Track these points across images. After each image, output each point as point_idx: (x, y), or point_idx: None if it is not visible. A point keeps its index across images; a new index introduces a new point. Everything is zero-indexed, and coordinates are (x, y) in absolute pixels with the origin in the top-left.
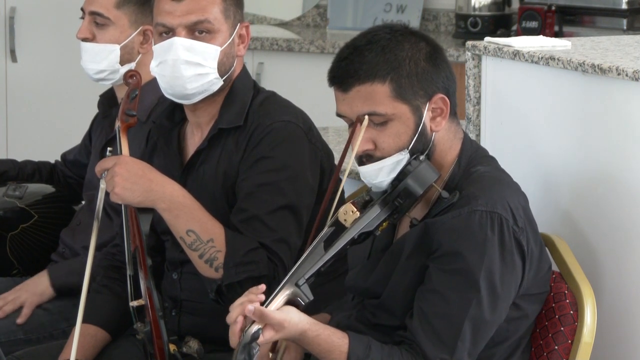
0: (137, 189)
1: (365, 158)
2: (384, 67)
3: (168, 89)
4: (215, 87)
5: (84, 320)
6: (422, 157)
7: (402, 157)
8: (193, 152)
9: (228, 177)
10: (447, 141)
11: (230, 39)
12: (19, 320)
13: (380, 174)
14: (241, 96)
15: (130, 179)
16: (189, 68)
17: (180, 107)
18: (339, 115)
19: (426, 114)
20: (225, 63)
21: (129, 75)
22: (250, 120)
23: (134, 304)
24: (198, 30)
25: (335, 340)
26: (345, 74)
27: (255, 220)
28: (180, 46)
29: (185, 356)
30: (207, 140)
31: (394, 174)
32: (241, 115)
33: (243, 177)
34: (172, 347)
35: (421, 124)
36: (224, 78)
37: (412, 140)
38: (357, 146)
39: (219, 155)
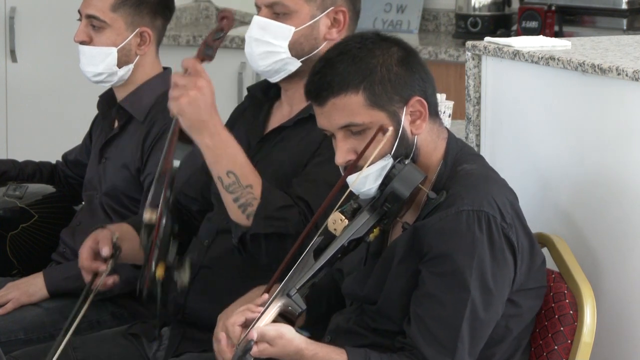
0: (201, 113)
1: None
2: (356, 76)
3: (249, 62)
4: (292, 67)
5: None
6: (406, 161)
7: (386, 163)
8: (276, 126)
9: (299, 164)
10: (430, 142)
11: (312, 21)
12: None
13: (367, 182)
14: None
15: (203, 101)
16: (258, 46)
17: (277, 85)
18: (320, 128)
19: (404, 118)
20: (303, 44)
21: (221, 16)
22: None
23: (146, 217)
24: (276, 11)
25: (334, 357)
26: (319, 87)
27: (311, 183)
28: (255, 24)
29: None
30: (294, 120)
31: (380, 180)
32: None
33: (317, 159)
34: (160, 270)
35: (400, 129)
36: (302, 59)
37: (393, 146)
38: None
39: (300, 139)
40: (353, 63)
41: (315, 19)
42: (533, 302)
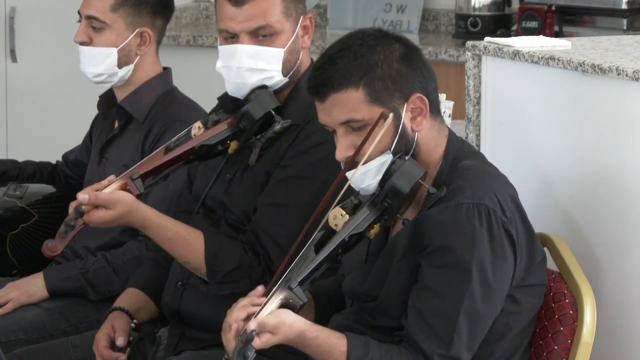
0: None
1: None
2: (356, 72)
3: (235, 91)
4: (280, 84)
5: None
6: (406, 157)
7: (386, 159)
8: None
9: (268, 174)
10: (431, 139)
11: (294, 36)
12: None
13: (366, 178)
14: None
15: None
16: (253, 75)
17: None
18: (321, 124)
19: (405, 115)
20: (291, 60)
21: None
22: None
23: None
24: (261, 35)
25: (335, 340)
26: (320, 83)
27: (278, 209)
28: (244, 53)
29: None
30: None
31: (379, 176)
32: (304, 114)
33: (284, 164)
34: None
35: (401, 125)
36: (289, 75)
37: (393, 142)
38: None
39: (276, 147)
40: (354, 59)
41: (295, 33)
42: (534, 300)
